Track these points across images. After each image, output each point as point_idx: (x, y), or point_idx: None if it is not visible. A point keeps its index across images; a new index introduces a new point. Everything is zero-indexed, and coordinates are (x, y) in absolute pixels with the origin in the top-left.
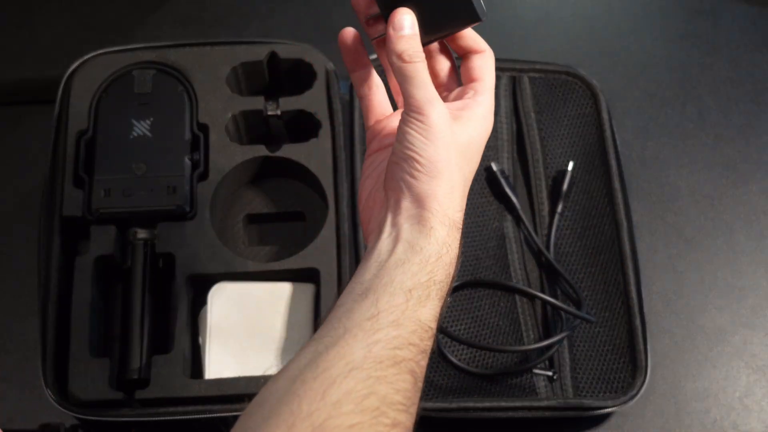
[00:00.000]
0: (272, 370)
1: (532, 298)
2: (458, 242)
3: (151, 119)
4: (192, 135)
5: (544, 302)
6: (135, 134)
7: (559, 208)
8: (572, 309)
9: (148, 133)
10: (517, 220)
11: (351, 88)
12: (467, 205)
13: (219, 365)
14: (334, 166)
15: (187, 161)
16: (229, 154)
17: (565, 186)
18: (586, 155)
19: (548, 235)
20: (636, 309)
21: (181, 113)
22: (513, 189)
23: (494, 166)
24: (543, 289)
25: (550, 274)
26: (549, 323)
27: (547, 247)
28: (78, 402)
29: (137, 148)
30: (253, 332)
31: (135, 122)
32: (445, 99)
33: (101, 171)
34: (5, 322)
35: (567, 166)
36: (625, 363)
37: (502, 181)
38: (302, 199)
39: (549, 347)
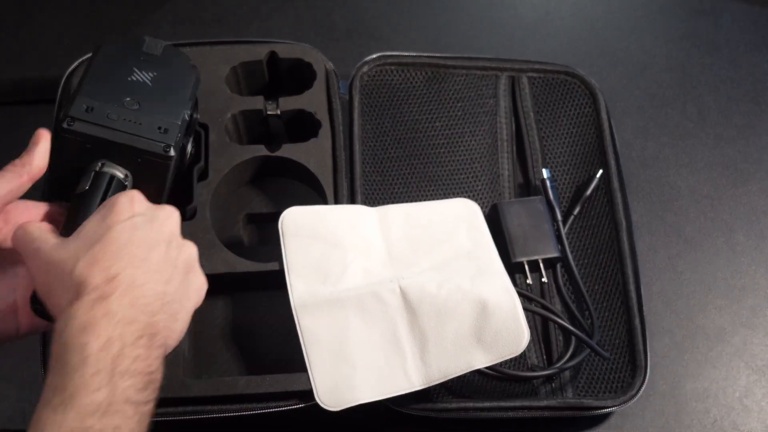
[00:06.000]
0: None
1: (547, 320)
2: None
3: (155, 73)
4: (190, 116)
5: (564, 329)
6: (134, 79)
7: (576, 210)
8: (592, 343)
9: (149, 83)
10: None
11: (351, 87)
12: None
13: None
14: (334, 166)
15: (185, 116)
16: (228, 154)
17: (588, 191)
18: (585, 155)
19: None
20: (635, 309)
21: (187, 81)
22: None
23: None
24: (551, 297)
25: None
26: (547, 325)
27: None
28: None
29: (134, 89)
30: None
31: (137, 70)
32: None
33: (89, 92)
34: None
35: (595, 173)
36: (625, 363)
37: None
38: (302, 199)
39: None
